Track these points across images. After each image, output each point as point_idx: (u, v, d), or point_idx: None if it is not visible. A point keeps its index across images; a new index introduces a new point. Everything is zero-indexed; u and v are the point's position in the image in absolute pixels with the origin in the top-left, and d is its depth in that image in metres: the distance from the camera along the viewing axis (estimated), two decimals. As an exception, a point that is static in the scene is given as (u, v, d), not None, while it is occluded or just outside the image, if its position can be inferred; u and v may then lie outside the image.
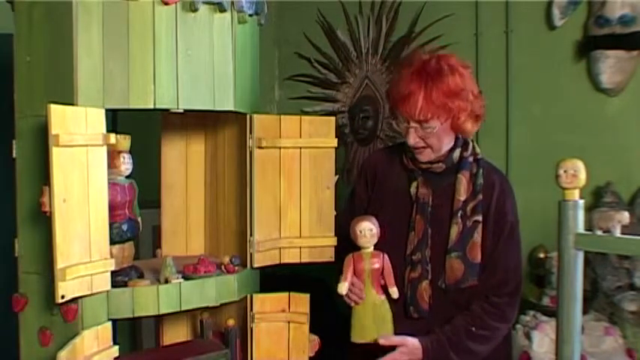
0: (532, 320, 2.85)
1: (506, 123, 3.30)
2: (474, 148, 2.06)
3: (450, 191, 2.02)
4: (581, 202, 1.51)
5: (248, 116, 1.91)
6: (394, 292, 1.97)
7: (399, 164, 2.11)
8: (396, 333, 1.98)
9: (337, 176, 2.09)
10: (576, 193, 1.51)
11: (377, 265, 1.96)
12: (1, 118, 1.97)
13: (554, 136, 3.17)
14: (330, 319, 2.22)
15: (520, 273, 2.07)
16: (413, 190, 2.05)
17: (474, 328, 1.97)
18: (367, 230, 1.94)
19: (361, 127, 3.69)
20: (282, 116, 2.00)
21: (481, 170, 2.02)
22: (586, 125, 3.14)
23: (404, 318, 2.01)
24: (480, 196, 2.00)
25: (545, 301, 2.93)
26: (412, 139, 1.96)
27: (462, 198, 2.00)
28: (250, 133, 1.91)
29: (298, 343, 1.99)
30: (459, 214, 1.99)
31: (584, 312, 1.66)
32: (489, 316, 1.98)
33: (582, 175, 1.49)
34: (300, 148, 2.01)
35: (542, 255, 3.09)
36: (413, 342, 1.95)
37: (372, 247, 1.96)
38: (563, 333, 1.55)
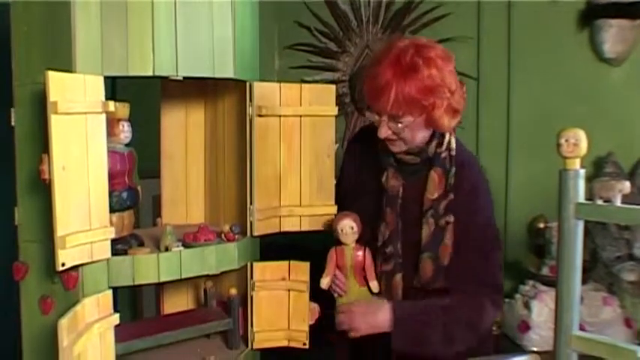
0: (531, 290, 2.87)
1: (507, 93, 3.29)
2: (449, 143, 1.99)
3: (420, 186, 1.98)
4: (582, 171, 1.51)
5: (248, 84, 1.90)
6: (374, 287, 2.01)
7: (376, 149, 2.05)
8: None
9: (337, 145, 2.09)
10: (577, 163, 1.50)
11: (358, 259, 2.00)
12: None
13: (556, 105, 3.17)
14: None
15: (494, 274, 2.00)
16: (383, 179, 2.02)
17: (453, 314, 1.94)
18: (348, 228, 1.96)
19: (361, 96, 3.68)
20: (282, 84, 1.98)
21: (454, 168, 1.96)
22: (588, 95, 3.14)
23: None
24: (452, 195, 1.95)
25: (545, 270, 2.95)
26: (383, 133, 1.91)
27: (433, 197, 1.95)
28: (250, 101, 1.90)
29: (298, 311, 2.00)
30: (430, 214, 1.95)
31: (584, 282, 1.66)
32: (470, 309, 1.94)
33: (583, 145, 1.48)
34: (300, 116, 2.00)
35: (542, 225, 3.10)
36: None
37: (354, 243, 1.99)
38: (562, 302, 1.56)
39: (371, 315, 1.93)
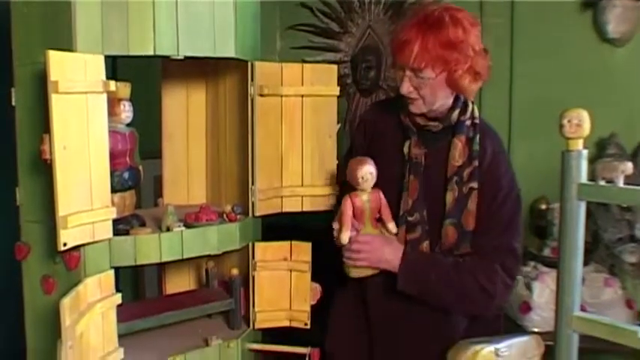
0: (533, 271, 2.86)
1: (510, 73, 3.27)
2: (472, 111, 1.99)
3: (444, 154, 1.97)
4: (585, 152, 1.50)
5: (249, 63, 1.89)
6: (393, 227, 1.95)
7: (396, 119, 2.05)
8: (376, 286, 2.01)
9: (339, 125, 2.08)
10: (580, 143, 1.50)
11: (376, 203, 1.94)
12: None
13: (558, 86, 3.14)
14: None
15: (512, 241, 1.96)
16: (406, 149, 2.00)
17: (462, 269, 1.93)
18: (368, 174, 1.90)
19: (363, 77, 3.66)
20: (283, 64, 1.98)
21: (478, 136, 1.96)
22: (591, 76, 3.12)
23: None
24: (476, 162, 1.94)
25: (546, 252, 2.94)
26: (405, 88, 1.91)
27: (458, 163, 1.95)
28: (252, 80, 1.89)
29: (300, 292, 2.01)
30: (455, 180, 1.94)
31: (585, 263, 1.66)
32: (479, 270, 1.92)
33: (586, 125, 1.48)
34: (302, 96, 1.99)
35: (543, 206, 3.09)
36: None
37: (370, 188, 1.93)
38: (563, 283, 1.56)
39: (382, 249, 1.93)
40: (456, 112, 1.96)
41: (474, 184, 1.94)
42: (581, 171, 1.50)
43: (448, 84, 1.90)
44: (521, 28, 3.24)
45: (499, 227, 1.94)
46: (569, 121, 1.48)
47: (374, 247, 1.92)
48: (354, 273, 1.96)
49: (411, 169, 1.98)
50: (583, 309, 1.56)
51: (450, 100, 1.96)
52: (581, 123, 1.47)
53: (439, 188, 1.96)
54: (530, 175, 3.21)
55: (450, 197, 1.94)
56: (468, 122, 1.97)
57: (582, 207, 1.51)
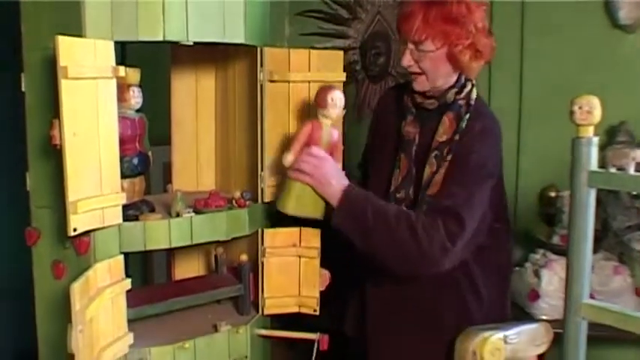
0: (541, 258, 2.86)
1: (520, 60, 3.25)
2: (470, 91, 1.98)
3: (434, 132, 1.97)
4: (596, 139, 1.50)
5: (259, 49, 1.89)
6: None
7: (400, 102, 2.07)
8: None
9: (345, 110, 2.08)
10: (590, 130, 1.49)
11: (334, 138, 1.90)
12: (9, 51, 1.96)
13: (569, 73, 3.12)
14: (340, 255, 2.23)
15: (466, 212, 1.85)
16: (402, 127, 2.02)
17: (402, 217, 1.85)
18: (338, 99, 1.85)
19: (372, 63, 3.65)
20: (291, 50, 1.97)
21: (468, 115, 1.94)
22: (602, 63, 3.09)
23: None
24: (457, 137, 1.92)
25: (555, 239, 2.94)
26: (406, 60, 1.93)
27: (441, 139, 1.93)
28: (261, 66, 1.89)
29: (309, 278, 2.01)
30: (434, 155, 1.93)
31: (594, 251, 1.65)
32: (419, 223, 1.83)
33: (597, 112, 1.47)
34: (309, 82, 1.99)
35: (553, 194, 3.08)
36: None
37: (332, 120, 1.88)
38: (572, 271, 1.56)
39: (330, 170, 1.86)
40: (453, 91, 1.96)
41: (449, 157, 1.91)
42: (592, 158, 1.49)
43: (448, 59, 1.91)
44: (532, 14, 3.22)
45: (455, 192, 1.88)
46: (579, 108, 1.48)
47: (324, 164, 1.85)
48: (291, 204, 1.87)
49: (402, 147, 2.00)
50: (592, 297, 1.57)
51: (453, 79, 1.96)
52: (591, 110, 1.47)
53: (424, 165, 1.95)
54: (539, 162, 3.21)
55: (427, 172, 1.93)
56: (462, 102, 1.96)
57: (592, 194, 1.51)
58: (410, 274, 1.91)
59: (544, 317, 2.61)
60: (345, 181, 1.88)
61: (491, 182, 1.92)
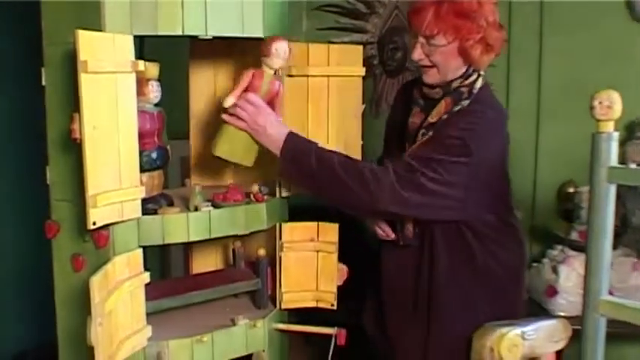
0: (559, 254, 2.85)
1: (539, 54, 3.23)
2: (474, 81, 1.96)
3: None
4: (616, 134, 1.49)
5: (277, 44, 1.89)
6: None
7: (410, 96, 2.08)
8: (387, 260, 2.07)
9: (364, 105, 2.08)
10: (610, 125, 1.48)
11: (274, 88, 1.88)
12: (29, 46, 1.97)
13: (588, 67, 3.10)
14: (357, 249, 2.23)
15: (421, 170, 1.83)
16: (408, 120, 2.03)
17: (349, 162, 1.88)
18: (282, 50, 1.83)
19: (390, 58, 3.64)
20: (310, 44, 1.97)
21: (467, 102, 1.94)
22: (622, 57, 3.06)
23: (394, 246, 2.05)
24: (445, 116, 1.93)
25: (574, 235, 2.92)
26: (417, 54, 1.94)
27: (433, 120, 1.94)
28: (280, 61, 1.89)
29: (327, 273, 2.01)
30: (421, 133, 1.94)
31: (614, 247, 1.64)
32: (368, 166, 1.87)
33: (617, 107, 1.46)
34: (328, 76, 1.98)
35: (571, 189, 3.06)
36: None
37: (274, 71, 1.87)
38: (591, 267, 1.55)
39: (265, 118, 1.85)
40: (458, 81, 1.96)
41: (430, 133, 1.93)
42: (612, 154, 1.48)
43: (459, 53, 1.92)
44: (551, 8, 3.20)
45: (415, 152, 1.90)
46: (599, 103, 1.47)
47: (260, 111, 1.84)
48: (222, 147, 1.88)
49: (408, 138, 2.00)
50: (610, 293, 1.56)
51: (462, 71, 1.96)
52: (612, 105, 1.46)
53: None
54: (558, 157, 3.19)
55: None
56: (465, 89, 1.95)
57: (612, 190, 1.50)
58: (358, 213, 1.97)
59: (562, 314, 2.60)
60: (286, 129, 1.88)
61: (466, 160, 1.85)
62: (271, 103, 1.88)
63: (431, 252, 1.98)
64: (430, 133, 1.92)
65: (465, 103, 1.93)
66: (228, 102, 1.84)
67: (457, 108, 1.93)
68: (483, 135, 1.89)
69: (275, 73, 1.86)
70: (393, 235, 2.03)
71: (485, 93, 1.99)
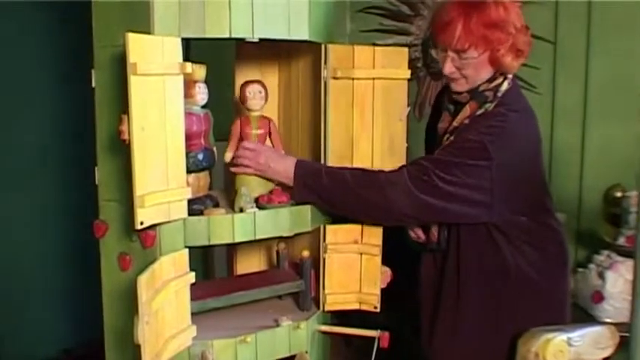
0: (606, 260, 2.81)
1: (586, 56, 3.19)
2: (500, 84, 1.94)
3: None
4: (667, 137, 1.46)
5: (323, 46, 1.90)
6: None
7: (444, 102, 2.09)
8: (422, 264, 2.10)
9: (409, 108, 2.07)
10: (662, 128, 1.46)
11: (266, 126, 1.95)
12: (76, 47, 2.00)
13: (636, 68, 3.05)
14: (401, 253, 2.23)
15: (435, 171, 1.83)
16: (438, 125, 2.05)
17: (359, 171, 1.91)
18: (256, 91, 1.90)
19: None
20: (355, 46, 1.97)
21: (491, 105, 1.93)
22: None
23: (426, 250, 2.06)
24: (467, 121, 1.93)
25: (621, 240, 2.88)
26: (447, 69, 1.93)
27: (457, 124, 1.95)
28: (325, 63, 1.90)
29: (370, 275, 2.01)
30: (445, 137, 1.95)
31: (663, 252, 1.61)
32: (382, 174, 1.89)
33: (669, 110, 1.44)
34: (373, 79, 1.98)
35: (619, 194, 3.01)
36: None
37: (261, 111, 1.94)
38: (639, 273, 1.52)
39: (268, 156, 1.90)
40: (484, 85, 1.95)
41: (452, 138, 1.93)
42: (663, 157, 1.45)
43: (490, 62, 1.92)
44: (599, 8, 3.16)
45: (433, 156, 1.91)
46: (650, 106, 1.44)
47: (258, 152, 1.90)
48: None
49: (437, 143, 2.01)
50: (660, 300, 1.53)
51: (489, 76, 1.96)
52: (663, 107, 1.43)
53: None
54: (605, 161, 3.14)
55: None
56: (489, 93, 1.94)
57: (663, 195, 1.47)
58: (380, 222, 1.96)
59: (608, 320, 2.56)
60: (290, 159, 1.92)
61: (485, 163, 1.84)
62: (265, 141, 1.96)
63: (457, 255, 1.98)
64: (452, 138, 1.92)
65: (489, 106, 1.93)
66: (228, 157, 1.94)
67: (480, 111, 1.92)
68: (505, 137, 1.88)
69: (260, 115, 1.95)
70: (423, 237, 2.04)
71: (511, 95, 1.97)
